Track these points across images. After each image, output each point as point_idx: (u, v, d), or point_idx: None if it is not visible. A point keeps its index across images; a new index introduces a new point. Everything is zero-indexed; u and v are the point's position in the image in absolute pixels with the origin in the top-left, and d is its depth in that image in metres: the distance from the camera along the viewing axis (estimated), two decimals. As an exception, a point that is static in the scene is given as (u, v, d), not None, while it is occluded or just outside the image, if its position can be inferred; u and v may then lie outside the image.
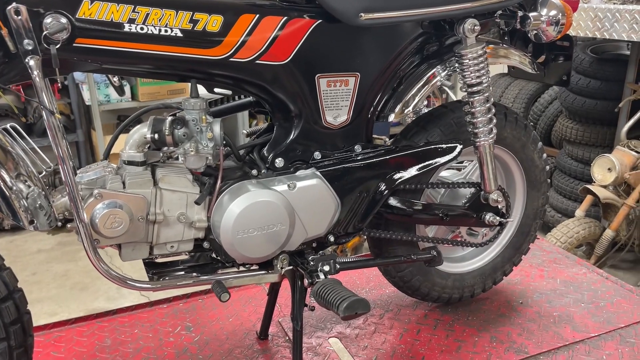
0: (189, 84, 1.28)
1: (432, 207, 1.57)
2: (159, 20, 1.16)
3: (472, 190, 1.62)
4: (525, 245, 1.82)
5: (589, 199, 3.33)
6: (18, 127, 1.28)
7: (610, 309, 1.80)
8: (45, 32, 1.07)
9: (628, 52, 3.57)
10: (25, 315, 1.22)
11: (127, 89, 4.46)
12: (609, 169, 3.19)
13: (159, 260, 1.39)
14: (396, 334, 1.71)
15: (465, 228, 1.68)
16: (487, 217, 1.59)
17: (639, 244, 3.35)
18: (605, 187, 3.22)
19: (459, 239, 1.66)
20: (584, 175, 3.75)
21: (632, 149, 3.23)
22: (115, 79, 4.56)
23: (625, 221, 3.21)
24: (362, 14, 1.26)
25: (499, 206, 1.60)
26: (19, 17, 1.05)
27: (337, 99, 1.39)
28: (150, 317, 1.84)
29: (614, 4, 3.08)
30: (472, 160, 1.75)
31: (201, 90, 1.33)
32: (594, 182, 3.24)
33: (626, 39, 2.98)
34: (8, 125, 1.26)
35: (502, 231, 1.70)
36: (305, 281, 1.36)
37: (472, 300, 1.85)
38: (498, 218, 1.59)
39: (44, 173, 1.29)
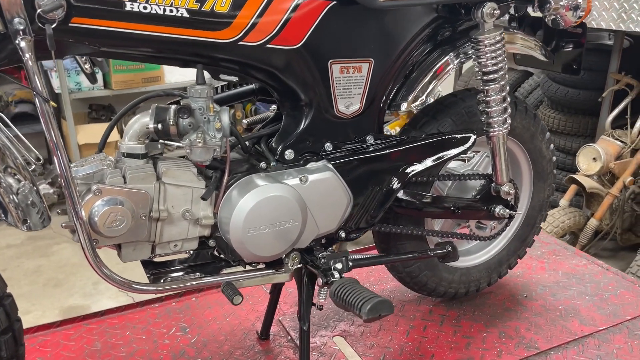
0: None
1: (443, 200, 1.52)
2: None
3: (482, 182, 1.56)
4: (530, 237, 1.79)
5: (572, 188, 3.35)
6: (2, 115, 1.16)
7: (615, 301, 1.78)
8: (39, 10, 0.95)
9: (610, 42, 3.58)
10: (16, 323, 1.11)
11: (99, 76, 4.28)
12: (594, 158, 3.21)
13: (157, 259, 1.29)
14: (402, 331, 1.65)
15: (474, 221, 1.62)
16: (497, 209, 1.54)
17: (621, 232, 3.39)
18: (589, 176, 3.24)
19: (468, 233, 1.61)
20: (566, 165, 3.77)
21: (616, 139, 3.25)
22: (87, 65, 4.38)
23: (608, 210, 3.24)
24: (380, -5, 1.18)
25: (509, 198, 1.55)
26: (9, -8, 0.94)
27: (350, 86, 1.31)
28: (141, 317, 1.74)
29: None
30: (478, 151, 1.70)
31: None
32: (579, 171, 3.25)
33: (614, 28, 2.98)
34: (-9, 114, 1.13)
35: (509, 224, 1.66)
36: (320, 280, 1.29)
37: (476, 294, 1.81)
38: (508, 210, 1.55)
39: (33, 166, 1.17)
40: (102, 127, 4.41)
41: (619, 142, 3.21)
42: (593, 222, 3.21)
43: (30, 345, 1.59)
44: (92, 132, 4.34)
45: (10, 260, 3.59)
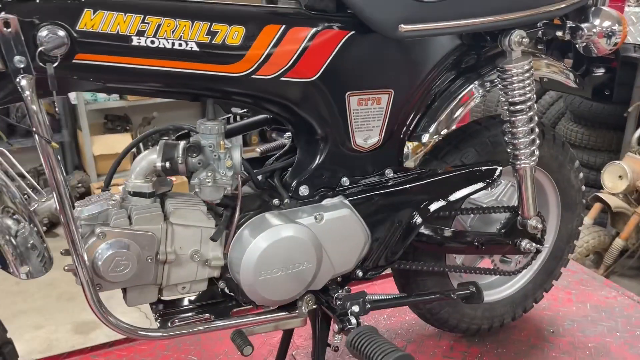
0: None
1: (465, 235, 1.44)
2: (172, 32, 1.00)
3: (508, 214, 1.48)
4: (557, 270, 1.70)
5: (597, 206, 3.24)
6: (5, 151, 1.11)
7: (647, 338, 1.69)
8: (40, 48, 0.90)
9: (636, 55, 3.46)
10: None
11: (115, 87, 4.25)
12: (619, 176, 3.10)
13: (165, 297, 1.23)
14: (422, 369, 1.58)
15: (499, 255, 1.54)
16: (524, 243, 1.46)
17: (647, 252, 3.27)
18: (615, 195, 3.13)
19: (491, 267, 1.53)
20: (589, 180, 3.64)
21: (643, 156, 3.13)
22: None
23: (634, 229, 3.12)
24: (401, 25, 1.11)
25: (536, 232, 1.47)
26: (9, 30, 0.89)
27: (368, 118, 1.24)
28: (150, 349, 1.68)
29: (629, 6, 2.97)
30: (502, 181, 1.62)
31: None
32: (604, 189, 3.15)
33: (642, 43, 2.87)
34: (-6, 151, 1.09)
35: (535, 257, 1.58)
36: (335, 326, 1.22)
37: (499, 329, 1.72)
38: (535, 245, 1.47)
39: (36, 205, 1.12)
40: (118, 137, 4.40)
41: (646, 160, 3.10)
42: (619, 242, 3.10)
43: (36, 379, 1.55)
44: (108, 143, 4.32)
45: (24, 272, 3.57)
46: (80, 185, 4.20)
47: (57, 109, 4.26)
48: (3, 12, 0.88)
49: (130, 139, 4.38)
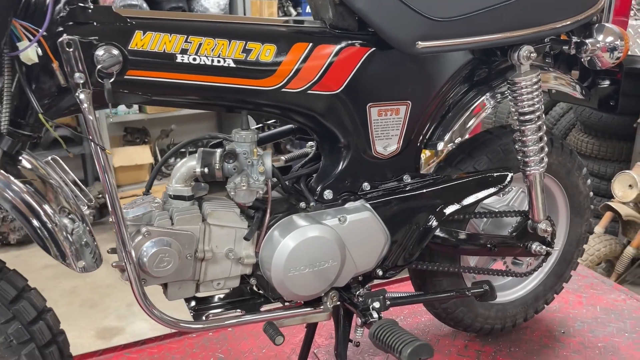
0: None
1: (479, 237, 1.52)
2: (212, 50, 1.11)
3: (518, 218, 1.57)
4: (567, 273, 1.78)
5: (608, 215, 3.30)
6: (58, 158, 1.23)
7: (655, 338, 1.76)
8: (99, 66, 1.01)
9: (641, 67, 3.53)
10: (59, 335, 1.16)
11: (135, 101, 4.39)
12: (629, 185, 3.16)
13: (198, 295, 1.33)
14: (438, 366, 1.66)
15: (511, 257, 1.63)
16: (534, 246, 1.54)
17: (659, 260, 3.31)
18: (625, 203, 3.19)
19: (504, 269, 1.61)
20: (600, 190, 3.71)
21: (653, 166, 3.19)
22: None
23: (645, 237, 3.17)
24: (419, 42, 1.22)
25: (546, 235, 1.55)
26: (71, 50, 1.00)
27: (387, 128, 1.34)
28: (180, 347, 1.78)
29: (636, 19, 3.05)
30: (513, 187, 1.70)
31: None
32: (614, 198, 3.21)
33: (648, 56, 2.95)
34: (49, 158, 1.20)
35: (546, 260, 1.65)
36: (359, 320, 1.31)
37: (512, 329, 1.80)
38: (545, 247, 1.55)
39: (85, 207, 1.22)
40: (137, 149, 4.53)
41: (655, 169, 3.16)
42: (630, 251, 3.15)
43: (74, 374, 1.64)
44: (127, 155, 4.44)
45: (47, 280, 3.68)
46: (100, 196, 4.32)
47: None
48: (65, 34, 1.00)
49: (148, 151, 4.50)
